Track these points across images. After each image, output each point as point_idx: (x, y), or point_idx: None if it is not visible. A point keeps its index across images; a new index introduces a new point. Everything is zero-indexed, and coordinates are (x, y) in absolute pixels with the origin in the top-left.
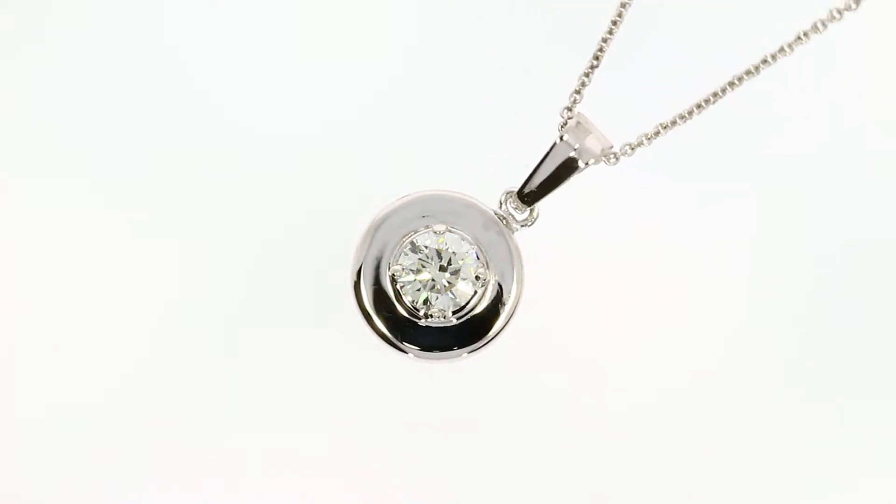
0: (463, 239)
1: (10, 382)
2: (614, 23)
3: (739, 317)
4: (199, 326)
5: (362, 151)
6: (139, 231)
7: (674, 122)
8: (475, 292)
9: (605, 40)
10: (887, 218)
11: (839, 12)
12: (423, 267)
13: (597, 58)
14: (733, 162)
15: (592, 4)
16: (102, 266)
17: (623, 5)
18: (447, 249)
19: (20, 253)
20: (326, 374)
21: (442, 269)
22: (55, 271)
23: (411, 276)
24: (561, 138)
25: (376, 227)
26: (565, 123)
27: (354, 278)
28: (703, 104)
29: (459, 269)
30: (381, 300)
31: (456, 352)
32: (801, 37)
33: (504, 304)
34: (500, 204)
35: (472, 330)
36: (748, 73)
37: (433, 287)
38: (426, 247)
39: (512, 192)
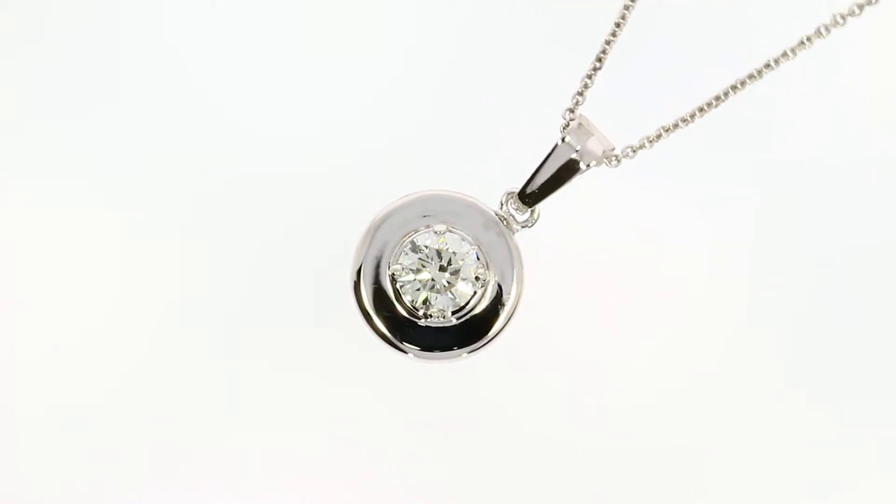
0: (463, 239)
1: (10, 382)
2: (618, 25)
3: (739, 317)
4: (199, 326)
5: (362, 151)
6: (139, 231)
7: (676, 125)
8: (475, 293)
9: (608, 42)
10: (887, 220)
11: (842, 17)
12: (423, 267)
13: (599, 60)
14: (734, 164)
15: (592, 4)
16: (102, 266)
17: (626, 7)
18: (447, 249)
19: (20, 253)
20: (326, 374)
21: (442, 269)
22: (55, 271)
23: (411, 276)
24: (563, 140)
25: (376, 227)
26: (567, 125)
27: (354, 278)
28: (705, 107)
29: (459, 270)
30: (381, 299)
31: (456, 352)
32: (805, 41)
33: (504, 305)
34: (501, 205)
35: (471, 330)
36: (751, 76)
37: (433, 287)
38: (426, 247)
39: (513, 192)
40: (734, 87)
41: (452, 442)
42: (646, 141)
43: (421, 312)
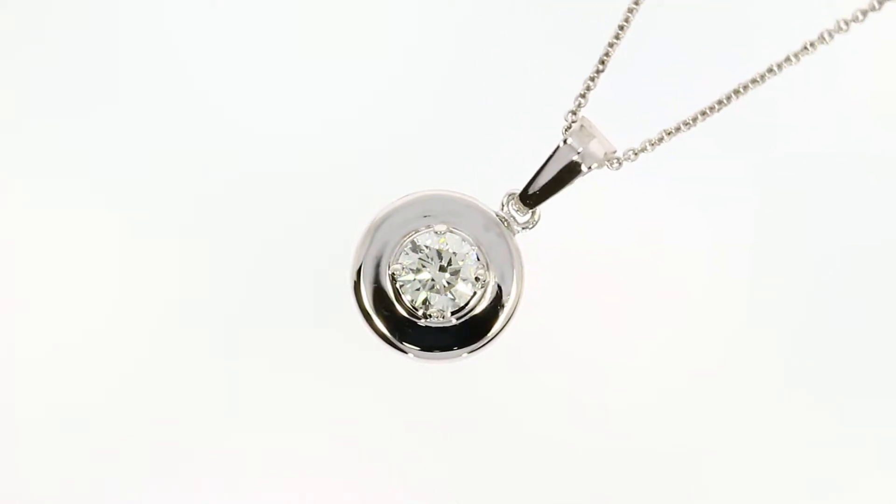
0: (464, 240)
1: (10, 382)
2: (621, 27)
3: (739, 317)
4: (199, 326)
5: (362, 151)
6: (139, 231)
7: (678, 129)
8: (474, 293)
9: (611, 45)
10: (887, 220)
11: (846, 23)
12: (423, 267)
13: (602, 62)
14: (734, 165)
15: (592, 4)
16: (102, 266)
17: (630, 10)
18: (448, 250)
19: (20, 253)
20: (326, 374)
21: (442, 269)
22: (55, 271)
23: (411, 276)
24: (564, 141)
25: (377, 227)
26: (569, 127)
27: (354, 277)
28: (707, 111)
29: (459, 270)
30: (381, 299)
31: (456, 352)
32: (808, 46)
33: (504, 306)
34: (502, 206)
35: (471, 330)
36: (754, 81)
37: (432, 287)
38: (427, 247)
39: (514, 194)
40: (737, 92)
41: (452, 442)
42: (647, 144)
43: (420, 312)
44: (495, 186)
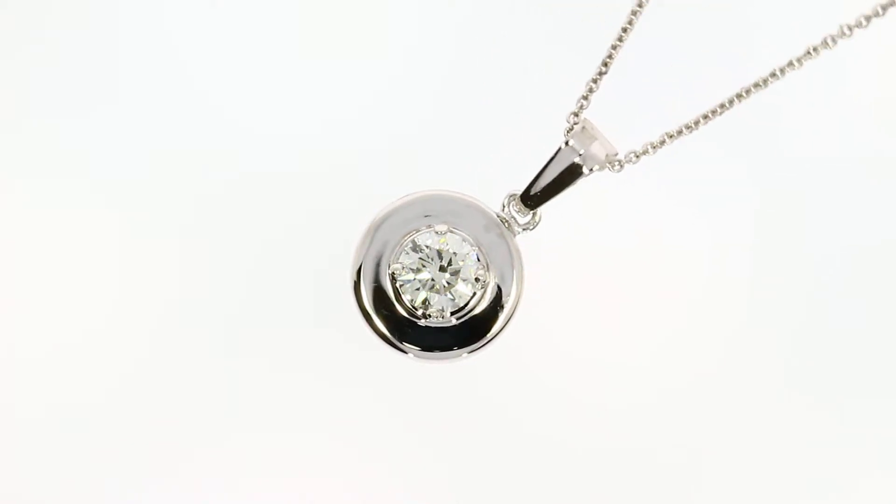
0: (464, 240)
1: (10, 382)
2: (624, 30)
3: (739, 318)
4: (199, 326)
5: (362, 151)
6: (139, 231)
7: (680, 132)
8: (474, 294)
9: (614, 47)
10: (886, 221)
11: (850, 28)
12: (424, 266)
13: (605, 64)
14: (735, 167)
15: (593, 4)
16: (102, 266)
17: (634, 13)
18: (448, 250)
19: (20, 253)
20: (326, 374)
21: (442, 269)
22: (55, 271)
23: (411, 275)
24: (566, 143)
25: (377, 227)
26: (571, 128)
27: (354, 277)
28: (709, 115)
29: (459, 270)
30: (381, 298)
31: (456, 352)
32: (811, 51)
33: (503, 306)
34: (503, 206)
35: (471, 330)
36: (756, 85)
37: (432, 287)
38: (427, 246)
39: (515, 195)
40: (739, 96)
41: (452, 442)
42: (649, 147)
43: (420, 312)
44: (495, 186)
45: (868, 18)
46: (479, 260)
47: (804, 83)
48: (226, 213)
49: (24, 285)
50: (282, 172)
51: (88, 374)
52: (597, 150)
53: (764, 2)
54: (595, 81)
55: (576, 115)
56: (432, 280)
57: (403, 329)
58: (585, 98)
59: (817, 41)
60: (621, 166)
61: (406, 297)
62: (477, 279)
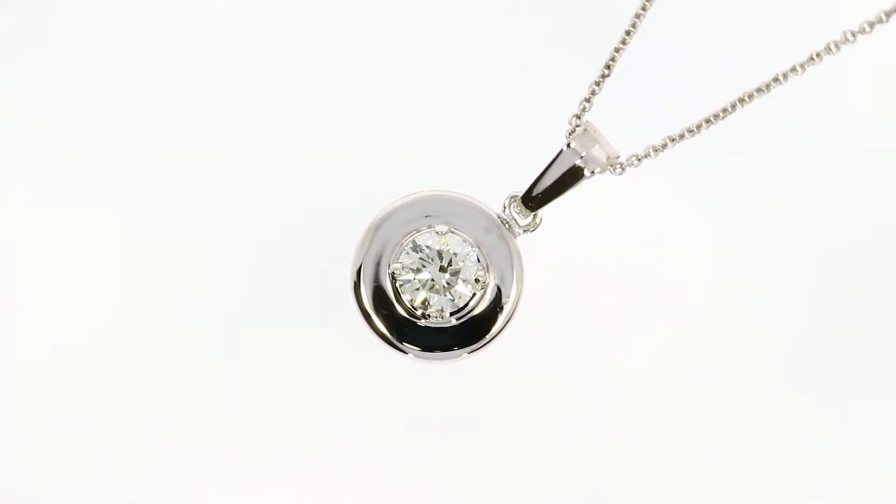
0: (465, 241)
1: (10, 382)
2: (627, 33)
3: (739, 317)
4: (199, 326)
5: (362, 151)
6: (139, 231)
7: (682, 136)
8: (473, 294)
9: (617, 50)
10: (886, 222)
11: (853, 34)
12: (424, 266)
13: (608, 67)
14: (735, 170)
15: (593, 4)
16: (102, 266)
17: (637, 16)
18: (448, 250)
19: (20, 253)
20: (326, 374)
21: (442, 269)
22: (55, 271)
23: (411, 275)
24: (568, 145)
25: (377, 226)
26: (573, 131)
27: (354, 277)
28: (711, 119)
29: (459, 271)
30: (380, 298)
31: (456, 352)
32: (814, 57)
33: (503, 307)
34: (504, 208)
35: (471, 330)
36: (759, 90)
37: (432, 287)
38: (428, 247)
39: (516, 196)
40: (742, 100)
41: (452, 442)
42: (651, 150)
43: (419, 312)
44: (495, 186)
45: (871, 24)
46: (479, 261)
47: (806, 87)
48: (226, 213)
49: (24, 285)
50: (282, 172)
51: (88, 374)
52: (598, 152)
53: (766, 4)
54: (598, 84)
55: (578, 117)
56: (432, 280)
57: (403, 329)
58: (588, 100)
59: (820, 46)
60: (623, 169)
61: (406, 297)
62: (477, 280)
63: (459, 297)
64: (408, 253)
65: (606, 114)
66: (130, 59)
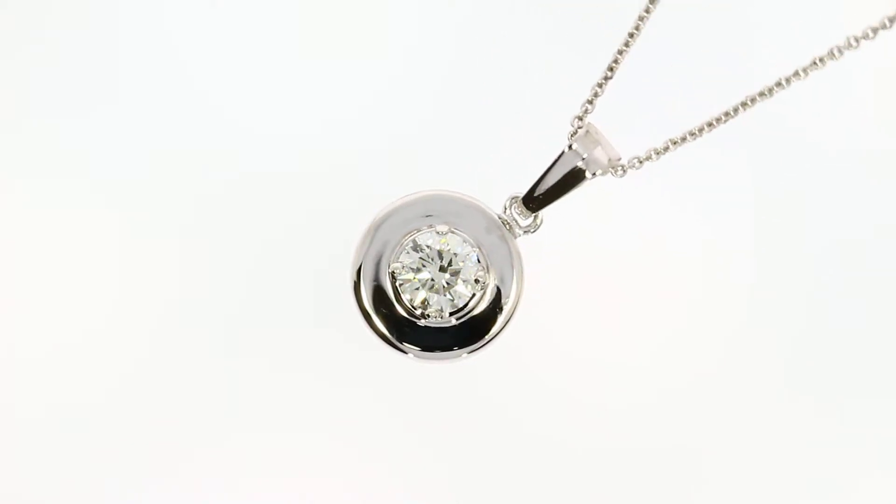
0: (465, 241)
1: (10, 382)
2: (631, 35)
3: (739, 318)
4: (199, 326)
5: (362, 151)
6: (139, 231)
7: (683, 139)
8: (473, 295)
9: (620, 52)
10: (887, 227)
11: (856, 40)
12: (424, 266)
13: (611, 69)
14: (737, 172)
15: (593, 4)
16: (102, 266)
17: (641, 18)
18: (449, 250)
19: (20, 253)
20: (326, 374)
21: (442, 269)
22: (55, 271)
23: (411, 275)
24: (569, 147)
25: (377, 226)
26: (575, 132)
27: (354, 277)
28: (713, 123)
29: (459, 271)
30: (380, 298)
31: (456, 352)
32: (817, 62)
33: (503, 307)
34: (505, 208)
35: (471, 330)
36: (761, 94)
37: (432, 287)
38: (428, 246)
39: (517, 197)
40: (744, 104)
41: (452, 442)
42: (653, 153)
43: (419, 312)
44: (495, 186)
45: (875, 30)
46: (479, 261)
47: (808, 90)
48: (226, 213)
49: (24, 285)
50: (282, 172)
51: (88, 374)
52: (600, 154)
53: (770, 8)
54: (600, 86)
55: (580, 118)
56: (432, 280)
57: (403, 329)
58: (590, 102)
59: (823, 51)
60: (624, 171)
61: (405, 297)
62: (476, 281)
63: (459, 298)
64: (408, 252)
65: (608, 116)
66: (130, 59)
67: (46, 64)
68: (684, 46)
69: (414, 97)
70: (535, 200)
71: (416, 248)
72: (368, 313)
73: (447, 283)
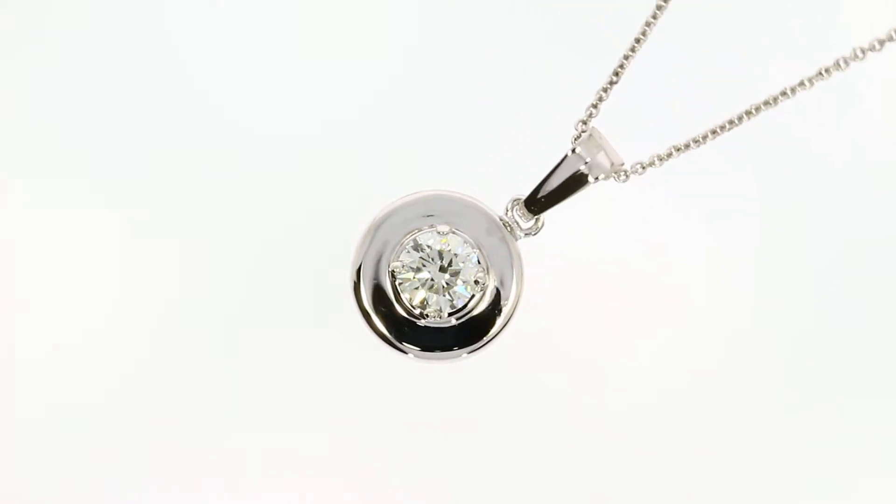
0: (466, 242)
1: (10, 382)
2: (637, 40)
3: (740, 319)
4: (199, 326)
5: (362, 151)
6: (139, 231)
7: (687, 146)
8: (472, 295)
9: (626, 57)
10: (886, 228)
11: (863, 51)
12: (424, 266)
13: (616, 74)
14: (740, 179)
15: (593, 4)
16: (102, 266)
17: (647, 24)
18: (449, 251)
19: (20, 253)
20: (326, 374)
21: (442, 269)
22: (55, 271)
23: (410, 274)
24: (573, 150)
25: (378, 226)
26: (578, 136)
27: (354, 277)
28: (718, 130)
29: (459, 272)
30: (380, 297)
31: (456, 352)
32: (823, 73)
33: (502, 308)
34: (507, 210)
35: (471, 330)
36: (766, 103)
37: (431, 287)
38: (429, 246)
39: (519, 199)
40: (748, 113)
41: (452, 442)
42: (656, 159)
43: (418, 312)
44: (495, 187)
45: (882, 42)
46: (479, 262)
47: (814, 100)
48: (226, 213)
49: (24, 285)
50: (282, 172)
51: (88, 374)
52: (603, 159)
53: (776, 15)
54: (605, 90)
55: (584, 122)
56: (431, 280)
57: (402, 329)
58: (594, 106)
59: (829, 62)
60: (627, 176)
61: (405, 296)
62: (476, 282)
63: (458, 298)
64: (408, 252)
65: (612, 120)
66: (130, 59)
67: (46, 64)
68: (690, 52)
69: (414, 97)
70: (537, 203)
71: (417, 247)
72: (368, 313)
73: (447, 284)
